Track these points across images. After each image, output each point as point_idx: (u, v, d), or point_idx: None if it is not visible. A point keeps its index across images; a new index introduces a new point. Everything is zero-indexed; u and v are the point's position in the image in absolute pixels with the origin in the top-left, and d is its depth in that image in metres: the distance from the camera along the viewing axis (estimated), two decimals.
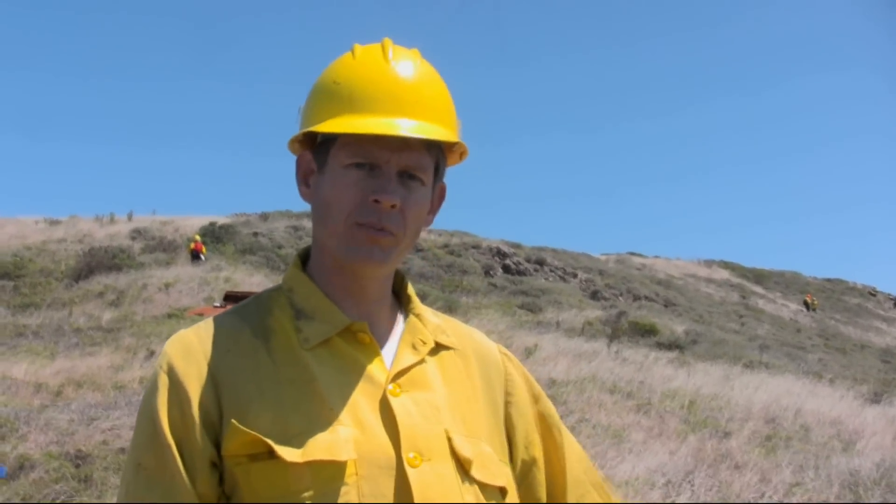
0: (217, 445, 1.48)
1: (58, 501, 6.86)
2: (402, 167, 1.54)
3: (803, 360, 24.45)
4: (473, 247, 42.23)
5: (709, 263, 64.98)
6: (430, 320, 1.71)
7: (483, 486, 1.56)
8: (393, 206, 1.52)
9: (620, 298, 37.59)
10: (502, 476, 1.61)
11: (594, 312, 27.91)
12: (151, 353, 14.42)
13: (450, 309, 22.07)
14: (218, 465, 1.48)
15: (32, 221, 42.83)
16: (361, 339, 1.58)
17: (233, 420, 1.46)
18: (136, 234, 37.46)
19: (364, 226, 1.53)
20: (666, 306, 37.28)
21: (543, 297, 31.48)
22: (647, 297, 38.83)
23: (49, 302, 22.89)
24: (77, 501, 6.90)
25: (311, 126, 1.57)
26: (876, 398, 15.36)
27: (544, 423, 1.77)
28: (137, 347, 15.03)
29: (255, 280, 26.37)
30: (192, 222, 42.08)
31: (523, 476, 1.71)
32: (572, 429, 9.92)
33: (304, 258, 1.71)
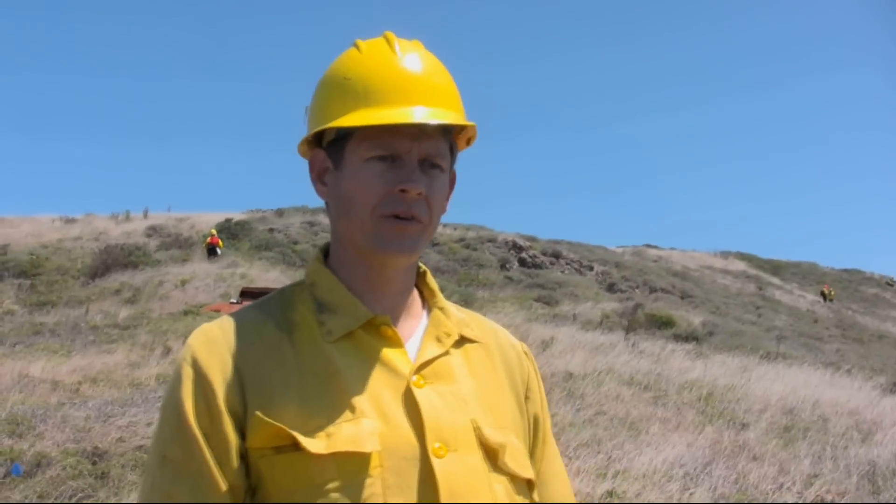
0: (243, 437, 1.48)
1: (74, 499, 6.87)
2: (423, 156, 1.55)
3: (820, 351, 24.38)
4: (489, 240, 42.27)
5: (725, 255, 64.93)
6: (453, 313, 1.72)
7: (512, 477, 1.57)
8: (419, 195, 1.53)
9: (637, 291, 37.52)
10: (529, 468, 1.63)
11: (610, 305, 27.88)
12: (168, 350, 14.43)
13: (466, 303, 22.05)
14: (245, 457, 1.48)
15: (49, 220, 43.09)
16: (384, 332, 1.58)
17: (257, 412, 1.46)
18: (152, 231, 37.60)
19: (391, 217, 1.53)
20: (682, 298, 37.21)
21: (559, 290, 31.48)
22: (663, 289, 38.76)
23: (65, 300, 22.97)
24: (94, 498, 6.90)
25: (326, 123, 1.56)
26: (894, 388, 15.28)
27: (537, 432, 1.77)
28: (154, 344, 15.04)
29: (271, 276, 26.41)
30: (207, 219, 42.24)
31: None
32: (589, 421, 9.91)
33: (326, 253, 1.71)
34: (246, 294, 21.10)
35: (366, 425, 1.46)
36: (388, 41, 1.60)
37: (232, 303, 20.73)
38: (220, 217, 41.82)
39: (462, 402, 1.56)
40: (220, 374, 1.50)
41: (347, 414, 1.47)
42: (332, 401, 1.48)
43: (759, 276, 57.64)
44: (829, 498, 7.75)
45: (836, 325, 39.96)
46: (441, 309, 1.70)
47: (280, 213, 49.07)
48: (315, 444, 1.43)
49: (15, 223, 41.21)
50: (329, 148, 1.61)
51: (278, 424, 1.45)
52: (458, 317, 1.72)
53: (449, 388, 1.57)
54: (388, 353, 1.56)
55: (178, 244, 33.29)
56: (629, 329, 21.01)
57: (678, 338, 21.03)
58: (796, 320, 37.96)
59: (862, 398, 13.21)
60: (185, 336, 14.82)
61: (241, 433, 1.48)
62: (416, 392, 1.52)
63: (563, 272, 39.00)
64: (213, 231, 33.37)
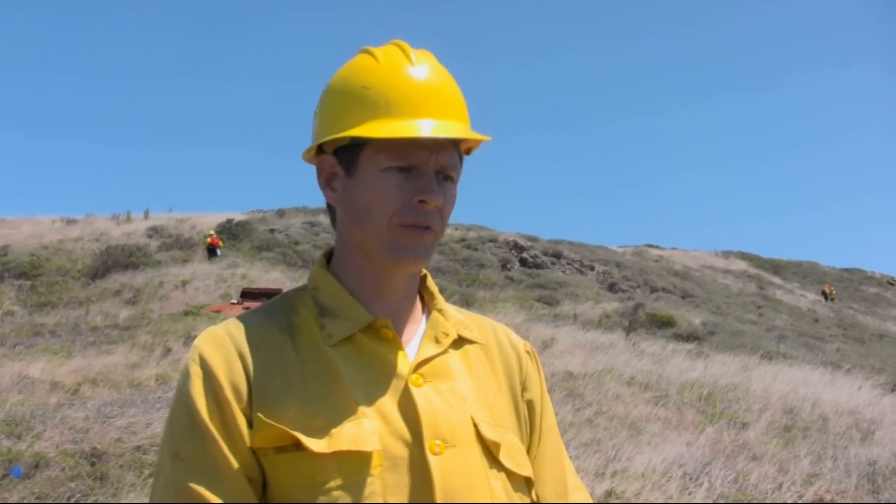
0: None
1: (73, 500, 6.86)
2: (439, 167, 1.57)
3: (821, 351, 24.36)
4: (490, 240, 42.26)
5: (726, 254, 64.91)
6: (452, 315, 1.74)
7: (510, 475, 1.59)
8: (436, 206, 1.56)
9: (638, 290, 37.52)
10: (527, 466, 1.65)
11: (611, 305, 27.86)
12: (168, 351, 14.44)
13: (466, 303, 22.08)
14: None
15: (49, 221, 43.03)
16: (385, 335, 1.60)
17: (259, 414, 1.49)
18: (153, 231, 37.56)
19: (408, 226, 1.55)
20: (683, 298, 37.21)
21: (560, 289, 31.47)
22: (664, 289, 38.76)
23: (66, 301, 22.99)
24: (92, 499, 6.90)
25: (343, 131, 1.57)
26: (894, 388, 15.27)
27: (534, 430, 1.77)
28: (154, 345, 15.04)
29: (271, 277, 26.42)
30: (208, 219, 42.23)
31: None
32: (589, 421, 9.90)
33: (329, 257, 1.73)
34: (246, 295, 21.09)
35: (367, 425, 1.48)
36: (402, 51, 1.61)
37: (232, 303, 20.71)
38: (221, 217, 41.79)
39: (461, 399, 1.58)
40: (228, 373, 1.52)
41: (348, 414, 1.49)
42: (333, 402, 1.50)
43: (760, 275, 57.62)
44: (828, 497, 7.75)
45: (837, 324, 39.95)
46: (440, 311, 1.72)
47: (281, 213, 49.06)
48: (317, 444, 1.45)
49: (15, 224, 41.20)
50: (339, 154, 1.61)
51: (280, 426, 1.47)
52: (456, 318, 1.74)
53: (448, 386, 1.59)
54: (387, 355, 1.58)
55: (178, 245, 33.25)
56: (630, 329, 21.00)
57: (679, 338, 21.03)
58: (797, 320, 37.95)
59: (862, 398, 13.21)
60: (186, 337, 14.86)
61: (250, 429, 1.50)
62: (414, 391, 1.54)
63: (564, 272, 38.97)
64: (213, 231, 33.38)
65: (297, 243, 36.43)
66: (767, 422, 10.72)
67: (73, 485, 7.01)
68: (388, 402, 1.52)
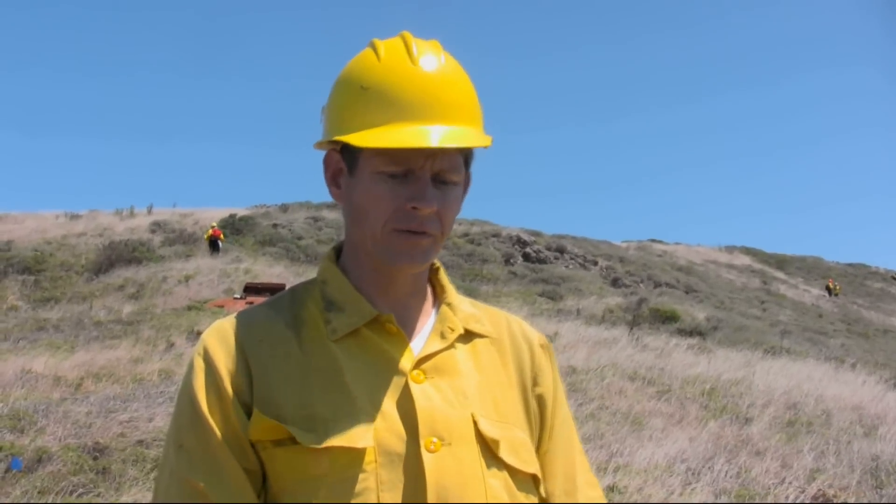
0: None
1: (75, 494, 6.86)
2: (436, 171, 1.54)
3: (825, 346, 24.32)
4: (493, 235, 42.23)
5: (730, 249, 64.88)
6: (461, 308, 1.72)
7: (513, 472, 1.57)
8: (431, 212, 1.53)
9: (641, 285, 37.53)
10: (534, 463, 1.62)
11: (615, 300, 27.86)
12: (171, 346, 14.46)
13: (470, 297, 22.01)
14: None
15: (53, 216, 43.04)
16: (389, 329, 1.59)
17: (255, 409, 1.50)
18: (156, 227, 37.58)
19: (402, 231, 1.53)
20: (687, 293, 37.19)
21: (564, 284, 31.47)
22: (667, 284, 38.75)
23: (69, 296, 23.03)
24: (94, 494, 6.90)
25: (342, 133, 1.54)
26: None
27: (544, 424, 1.75)
28: (157, 340, 15.07)
29: (274, 271, 26.46)
30: (211, 214, 42.23)
31: None
32: (592, 416, 9.89)
33: (339, 251, 1.72)
34: (250, 289, 21.13)
35: (363, 422, 1.48)
36: (406, 45, 1.56)
37: (236, 298, 20.74)
38: (224, 212, 41.80)
39: (462, 395, 1.57)
40: (230, 367, 1.54)
41: (346, 410, 1.49)
42: (332, 397, 1.51)
43: (764, 270, 57.61)
44: (831, 493, 7.73)
45: (841, 319, 39.92)
46: (449, 304, 1.70)
47: (284, 208, 49.08)
48: (310, 439, 1.46)
49: (19, 219, 41.23)
50: (343, 152, 1.60)
51: (274, 421, 1.48)
52: (466, 311, 1.72)
53: (449, 383, 1.57)
54: (391, 350, 1.57)
55: (181, 240, 33.31)
56: (633, 324, 20.99)
57: (682, 332, 21.01)
58: (801, 315, 37.93)
59: (866, 393, 13.19)
60: (189, 332, 14.88)
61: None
62: (413, 387, 1.53)
63: (567, 267, 38.98)
64: (215, 224, 33.42)
65: (300, 238, 36.47)
66: (770, 417, 10.70)
67: (75, 479, 7.01)
68: (388, 399, 1.51)
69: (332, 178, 1.65)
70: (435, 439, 1.49)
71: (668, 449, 8.48)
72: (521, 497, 1.56)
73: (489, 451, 1.54)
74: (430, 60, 1.56)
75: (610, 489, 7.17)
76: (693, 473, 7.89)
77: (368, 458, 1.45)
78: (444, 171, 1.54)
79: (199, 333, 14.93)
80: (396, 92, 1.52)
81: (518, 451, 1.58)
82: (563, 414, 1.78)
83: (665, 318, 23.29)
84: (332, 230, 39.62)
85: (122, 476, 7.22)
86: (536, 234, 45.36)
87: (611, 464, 7.93)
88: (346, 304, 1.60)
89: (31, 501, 6.66)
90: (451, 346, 1.63)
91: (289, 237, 36.39)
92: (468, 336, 1.67)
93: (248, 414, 1.51)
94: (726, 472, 7.97)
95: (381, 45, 1.58)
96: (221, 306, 19.60)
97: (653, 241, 63.06)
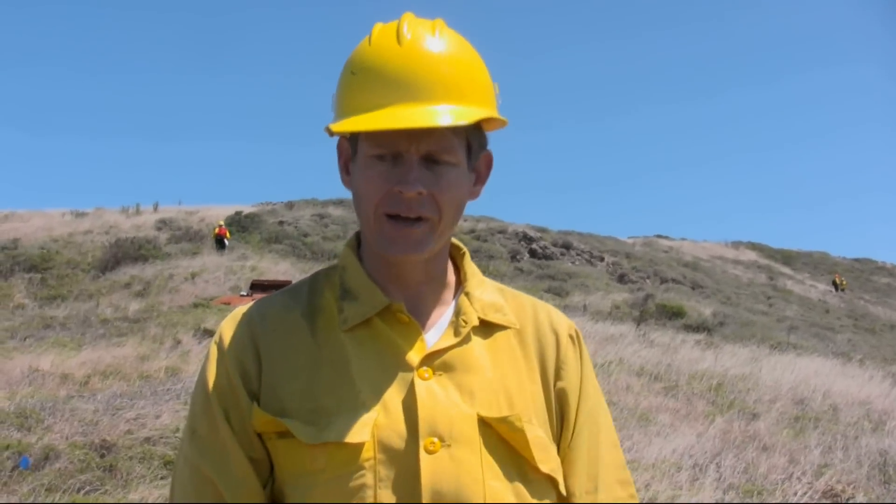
0: None
1: (82, 491, 6.87)
2: (425, 153, 1.50)
3: (832, 341, 24.32)
4: (499, 232, 42.21)
5: (736, 245, 64.79)
6: (480, 298, 1.65)
7: (524, 473, 1.53)
8: (419, 194, 1.50)
9: (647, 281, 37.47)
10: (549, 462, 1.56)
11: (621, 295, 27.86)
12: (178, 343, 14.46)
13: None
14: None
15: (59, 214, 43.02)
16: (401, 318, 1.57)
17: (255, 403, 1.51)
18: (162, 224, 37.58)
19: (393, 217, 1.51)
20: (693, 288, 37.16)
21: (570, 280, 31.46)
22: (674, 280, 38.70)
23: (76, 294, 23.02)
24: (102, 491, 6.90)
25: (337, 120, 1.54)
26: None
27: (567, 418, 1.67)
28: (164, 337, 15.06)
29: (280, 268, 26.46)
30: (217, 212, 42.24)
31: None
32: None
33: (360, 238, 1.69)
34: (256, 287, 21.12)
35: (363, 417, 1.46)
36: (398, 29, 1.52)
37: (242, 295, 20.74)
38: (230, 210, 41.82)
39: (469, 395, 1.53)
40: (241, 356, 1.55)
41: (349, 404, 1.48)
42: (337, 391, 1.50)
43: (771, 266, 57.51)
44: (839, 488, 7.71)
45: (848, 314, 39.87)
46: (467, 294, 1.64)
47: (290, 205, 49.07)
48: (307, 433, 1.46)
49: (25, 217, 41.27)
50: (350, 137, 1.60)
51: (269, 415, 1.49)
52: (486, 301, 1.65)
53: (458, 381, 1.54)
54: (402, 343, 1.54)
55: (188, 237, 33.33)
56: (640, 319, 20.98)
57: (689, 328, 21.03)
58: (807, 310, 37.89)
59: (873, 388, 13.18)
60: (195, 329, 14.87)
61: None
62: (418, 385, 1.50)
63: (573, 263, 38.94)
64: (221, 222, 33.45)
65: (306, 235, 36.48)
66: (778, 412, 10.69)
67: (82, 477, 7.02)
68: (393, 394, 1.49)
69: (344, 166, 1.64)
70: (435, 440, 1.46)
71: (676, 444, 8.46)
72: (531, 497, 1.51)
73: (494, 452, 1.50)
74: (421, 40, 1.51)
75: None
76: (700, 469, 7.87)
77: (366, 454, 1.44)
78: (434, 151, 1.51)
79: (205, 331, 14.95)
80: (379, 75, 1.49)
81: (531, 450, 1.52)
82: (589, 408, 1.69)
83: (671, 314, 23.27)
84: (337, 227, 39.62)
85: (129, 473, 7.22)
86: (542, 230, 45.31)
87: None
88: (360, 293, 1.58)
89: (39, 500, 6.67)
90: (466, 340, 1.58)
91: (295, 234, 36.40)
92: (488, 328, 1.62)
93: (257, 403, 1.51)
94: (734, 467, 7.96)
95: (377, 28, 1.56)
96: (228, 303, 19.59)
97: (659, 236, 62.97)
